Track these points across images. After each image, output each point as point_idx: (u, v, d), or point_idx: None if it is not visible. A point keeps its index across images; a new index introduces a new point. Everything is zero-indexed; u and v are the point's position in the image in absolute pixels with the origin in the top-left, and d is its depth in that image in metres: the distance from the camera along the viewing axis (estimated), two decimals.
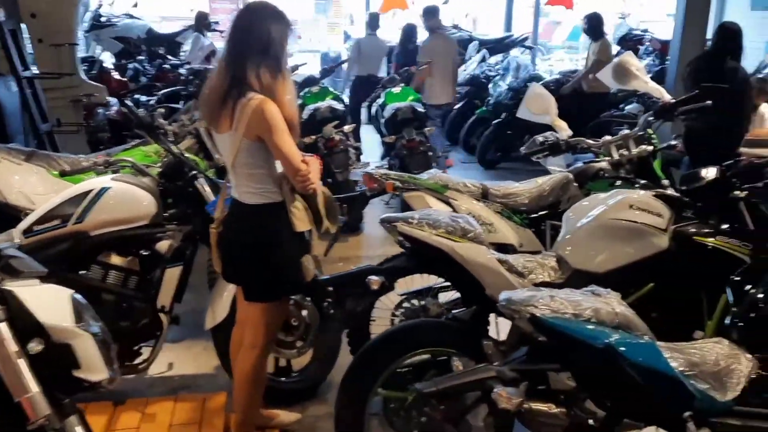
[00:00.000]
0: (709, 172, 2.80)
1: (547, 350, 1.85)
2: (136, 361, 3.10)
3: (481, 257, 2.50)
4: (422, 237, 2.50)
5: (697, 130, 4.54)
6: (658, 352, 1.76)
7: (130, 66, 9.49)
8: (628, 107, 8.58)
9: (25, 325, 1.53)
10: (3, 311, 1.52)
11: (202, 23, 8.96)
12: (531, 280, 2.57)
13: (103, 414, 2.92)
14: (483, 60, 9.53)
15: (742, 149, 3.62)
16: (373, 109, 6.67)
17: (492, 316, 2.94)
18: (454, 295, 3.24)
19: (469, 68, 9.51)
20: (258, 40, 2.34)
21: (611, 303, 1.84)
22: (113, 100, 6.97)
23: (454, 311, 3.14)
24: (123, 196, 3.01)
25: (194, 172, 3.16)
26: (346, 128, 5.59)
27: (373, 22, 8.31)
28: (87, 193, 2.98)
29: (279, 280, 2.50)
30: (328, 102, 5.94)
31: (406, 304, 3.25)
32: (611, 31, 10.77)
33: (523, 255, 2.66)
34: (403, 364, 2.47)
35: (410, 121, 5.85)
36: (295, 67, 8.80)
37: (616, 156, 3.60)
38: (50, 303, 1.59)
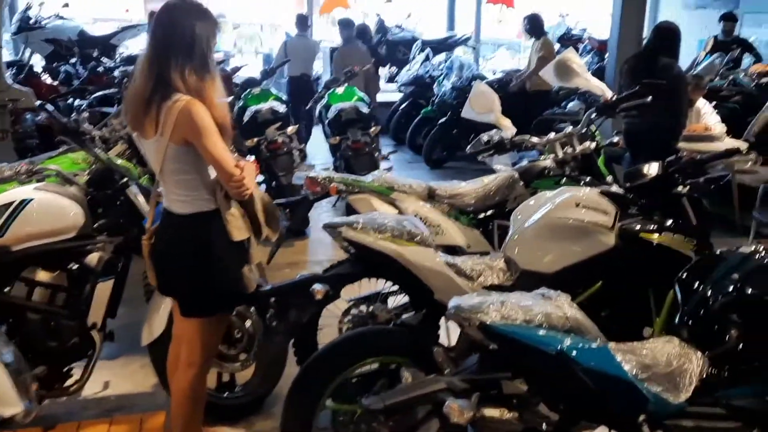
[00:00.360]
0: (651, 168, 2.80)
1: (498, 357, 1.78)
2: (68, 383, 2.90)
3: (428, 261, 2.43)
4: (368, 242, 2.40)
5: (636, 126, 4.59)
6: (610, 355, 1.71)
7: (62, 69, 9.11)
8: (569, 105, 8.70)
9: None
10: None
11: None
12: (480, 284, 2.51)
13: None
14: (426, 59, 9.52)
15: (681, 144, 3.70)
16: (317, 110, 6.54)
17: (442, 321, 2.88)
18: (403, 299, 3.16)
19: (413, 68, 9.48)
20: (182, 38, 2.21)
21: (562, 306, 1.79)
22: (50, 106, 6.66)
23: (403, 316, 3.09)
24: (47, 207, 2.81)
25: (125, 179, 2.99)
26: (289, 130, 5.46)
27: (301, 22, 8.49)
28: (8, 205, 2.77)
29: (216, 293, 2.36)
30: (270, 103, 5.79)
31: (353, 311, 3.15)
32: (550, 31, 10.91)
33: (472, 257, 2.60)
34: (351, 375, 2.38)
35: (355, 121, 5.76)
36: (236, 69, 8.64)
37: (560, 154, 3.58)
38: None
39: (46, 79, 8.48)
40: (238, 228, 2.31)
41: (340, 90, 6.28)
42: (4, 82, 5.67)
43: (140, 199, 2.95)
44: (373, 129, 5.77)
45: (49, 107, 2.91)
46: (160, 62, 2.21)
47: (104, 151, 3.51)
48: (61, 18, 10.47)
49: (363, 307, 3.15)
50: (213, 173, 2.29)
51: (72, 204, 2.86)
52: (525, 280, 2.56)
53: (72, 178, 3.02)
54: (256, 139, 5.34)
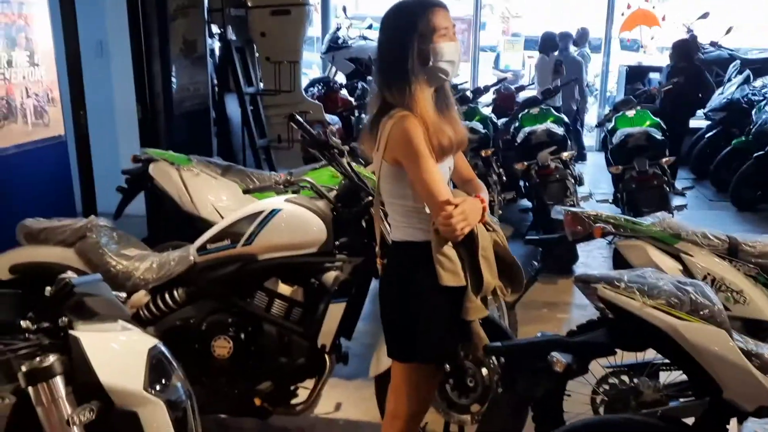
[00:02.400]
0: None
1: None
2: (294, 401, 2.82)
3: (717, 346, 1.77)
4: (631, 308, 1.83)
5: None
6: None
7: (359, 85, 9.75)
8: None
9: (85, 384, 1.24)
10: (60, 363, 1.24)
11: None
12: None
13: None
14: (746, 82, 8.10)
15: None
16: (601, 135, 5.87)
17: (733, 424, 2.16)
18: (681, 375, 2.47)
19: (727, 91, 8.14)
20: (391, 46, 2.00)
21: None
22: (335, 119, 7.08)
23: (679, 401, 2.41)
24: (292, 219, 2.76)
25: (370, 198, 2.81)
26: (565, 155, 4.93)
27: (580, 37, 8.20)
28: (258, 213, 2.79)
29: (416, 339, 2.03)
30: (547, 125, 5.31)
31: (612, 380, 2.56)
32: None
33: None
34: None
35: (643, 149, 4.97)
36: (521, 88, 8.29)
37: None
38: (122, 357, 1.29)
39: (344, 94, 9.13)
40: (449, 271, 1.92)
41: (630, 113, 5.53)
42: (299, 95, 6.11)
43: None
44: (665, 159, 4.93)
45: (299, 118, 2.86)
46: (380, 74, 2.03)
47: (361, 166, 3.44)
48: (365, 39, 11.27)
49: (625, 378, 2.55)
50: None
51: (316, 219, 2.77)
52: None
53: (324, 192, 2.95)
54: (526, 163, 4.92)
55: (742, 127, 7.35)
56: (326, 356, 2.77)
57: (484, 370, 2.72)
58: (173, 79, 5.02)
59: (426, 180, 1.91)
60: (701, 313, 1.82)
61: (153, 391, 1.27)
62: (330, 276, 2.77)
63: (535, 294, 4.53)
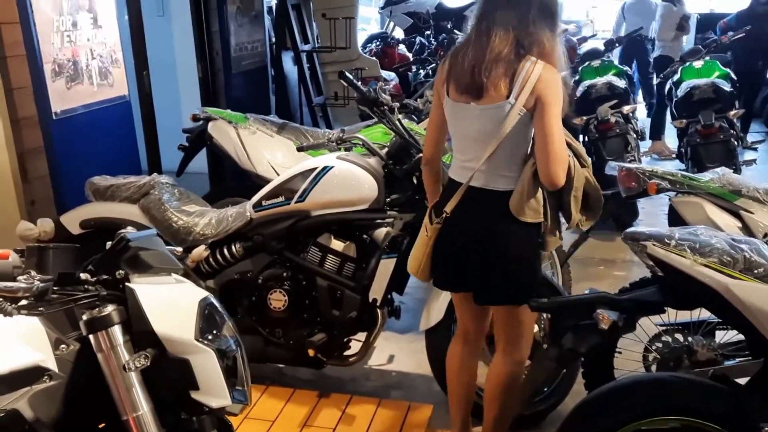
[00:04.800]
0: None
1: None
2: (347, 353, 2.92)
3: None
4: (682, 266, 1.79)
5: None
6: None
7: (417, 40, 9.60)
8: None
9: (140, 332, 1.32)
10: (118, 313, 1.32)
11: None
12: None
13: (305, 404, 2.80)
14: None
15: None
16: (667, 87, 5.64)
17: None
18: (737, 335, 2.42)
19: None
20: None
21: None
22: (392, 75, 7.03)
23: (735, 361, 2.37)
24: (344, 176, 2.80)
25: (421, 154, 2.82)
26: (626, 109, 4.77)
27: None
28: (311, 171, 2.84)
29: (505, 278, 2.16)
30: (608, 78, 5.13)
31: (665, 338, 2.53)
32: None
33: None
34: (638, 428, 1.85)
35: (710, 102, 4.75)
36: (584, 39, 8.01)
37: None
38: (174, 308, 1.36)
39: (402, 50, 9.02)
40: (532, 209, 2.08)
41: (698, 64, 5.28)
42: (355, 51, 6.09)
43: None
44: (734, 112, 4.71)
45: (349, 76, 2.87)
46: (519, 22, 2.03)
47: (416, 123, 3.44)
48: None
49: (679, 336, 2.51)
50: None
51: (367, 176, 2.81)
52: None
53: (376, 149, 2.97)
54: (585, 118, 4.78)
55: None
56: (378, 310, 2.83)
57: (534, 327, 2.74)
58: (231, 38, 5.09)
59: (560, 128, 2.02)
60: (755, 271, 1.76)
61: (204, 340, 1.34)
62: (381, 232, 2.81)
63: (591, 251, 4.48)
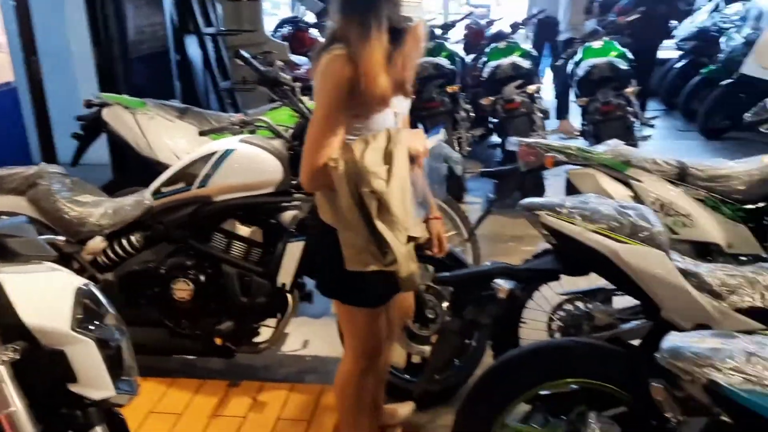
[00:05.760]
0: None
1: None
2: (257, 340, 2.86)
3: (655, 266, 1.80)
4: (573, 233, 1.85)
5: None
6: None
7: (328, 24, 9.49)
8: None
9: (9, 325, 1.23)
10: None
11: None
12: (732, 304, 1.81)
13: (214, 394, 2.73)
14: (716, 9, 8.01)
15: None
16: (569, 67, 5.82)
17: None
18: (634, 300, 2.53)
19: (696, 19, 8.06)
20: None
21: None
22: (303, 59, 6.93)
23: (631, 323, 2.47)
24: (247, 159, 2.74)
25: None
26: (530, 88, 4.89)
27: None
28: (212, 154, 2.76)
29: (338, 278, 1.94)
30: (513, 58, 5.25)
31: (566, 307, 2.61)
32: None
33: (723, 267, 1.90)
34: (542, 392, 1.91)
35: (608, 80, 4.95)
36: (491, 22, 8.14)
37: None
38: (47, 297, 1.28)
39: (314, 34, 8.90)
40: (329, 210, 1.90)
41: (596, 44, 5.47)
42: (262, 35, 5.95)
43: None
44: (630, 89, 4.91)
45: (246, 55, 2.80)
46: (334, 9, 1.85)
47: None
48: None
49: (580, 304, 2.60)
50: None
51: (272, 158, 2.75)
52: None
53: (280, 131, 2.91)
54: (492, 98, 4.87)
55: (711, 56, 7.31)
56: (287, 295, 2.79)
57: (444, 303, 2.78)
58: (129, 21, 4.86)
59: (316, 124, 1.82)
60: (640, 235, 1.84)
61: (81, 330, 1.27)
62: (288, 215, 2.76)
63: (501, 227, 4.58)
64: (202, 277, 2.76)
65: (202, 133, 3.08)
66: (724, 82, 6.65)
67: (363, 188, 1.75)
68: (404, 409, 2.61)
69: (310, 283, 3.05)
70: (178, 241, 2.79)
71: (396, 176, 1.78)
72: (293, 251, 2.72)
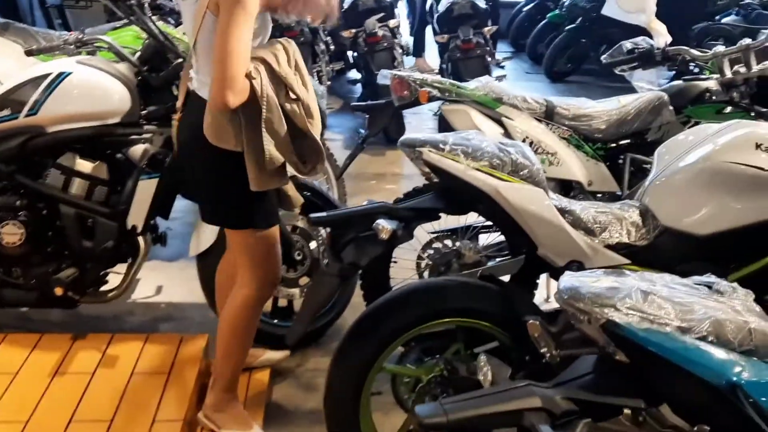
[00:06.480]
0: None
1: (626, 372, 1.18)
2: (105, 288, 2.59)
3: (534, 204, 1.80)
4: (456, 171, 1.80)
5: None
6: None
7: None
8: (725, 20, 7.43)
9: None
10: None
11: None
12: (603, 240, 1.86)
13: (56, 350, 2.42)
14: None
15: None
16: (428, 4, 5.77)
17: (544, 278, 2.29)
18: (499, 236, 2.57)
19: None
20: None
21: (741, 311, 1.14)
22: None
23: (497, 261, 2.51)
24: (87, 85, 2.41)
25: (181, 60, 2.50)
26: (392, 23, 4.77)
27: None
28: (43, 77, 2.38)
29: (235, 202, 1.92)
30: None
31: (436, 245, 2.61)
32: None
33: (595, 204, 1.95)
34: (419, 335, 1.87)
35: (468, 18, 4.96)
36: None
37: (728, 73, 2.74)
38: None
39: None
40: (222, 133, 1.81)
41: None
42: None
43: None
44: (488, 29, 4.96)
45: None
46: None
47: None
48: None
49: (448, 242, 2.61)
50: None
51: (117, 84, 2.44)
52: (666, 242, 1.90)
53: (126, 54, 2.57)
54: (354, 31, 4.70)
55: (556, 1, 7.60)
56: (139, 238, 2.53)
57: (313, 243, 2.66)
58: None
59: (239, 40, 1.68)
60: (521, 173, 1.83)
61: None
62: (138, 149, 2.48)
63: (363, 165, 4.51)
64: (36, 219, 2.43)
65: (29, 53, 2.66)
66: (567, 27, 6.96)
67: (286, 95, 1.80)
68: (278, 355, 2.51)
69: (163, 224, 2.81)
70: (5, 177, 2.42)
71: (309, 83, 1.87)
72: (145, 190, 2.46)
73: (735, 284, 1.23)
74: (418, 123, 5.16)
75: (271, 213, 2.02)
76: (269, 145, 1.79)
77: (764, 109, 2.65)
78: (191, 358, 2.44)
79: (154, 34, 2.49)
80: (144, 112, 2.50)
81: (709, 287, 1.21)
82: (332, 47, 5.40)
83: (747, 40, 2.76)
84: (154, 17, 2.67)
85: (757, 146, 1.88)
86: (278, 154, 1.81)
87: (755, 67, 2.69)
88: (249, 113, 1.77)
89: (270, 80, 1.78)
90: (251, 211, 1.93)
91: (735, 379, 1.05)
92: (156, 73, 2.52)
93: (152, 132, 2.49)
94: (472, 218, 2.52)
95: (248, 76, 1.72)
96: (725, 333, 1.10)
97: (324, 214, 1.86)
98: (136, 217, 2.47)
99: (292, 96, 1.82)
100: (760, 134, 1.93)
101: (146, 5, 2.45)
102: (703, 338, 1.09)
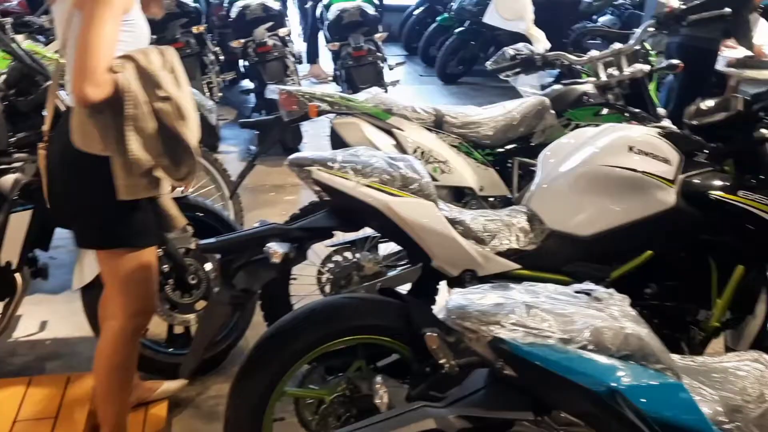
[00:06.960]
0: (729, 103, 2.12)
1: (516, 386, 1.20)
2: None
3: (426, 217, 1.82)
4: (345, 188, 1.78)
5: (692, 46, 3.83)
6: (689, 401, 1.13)
7: None
8: (601, 20, 7.86)
9: None
10: None
11: None
12: (494, 248, 1.90)
13: None
14: None
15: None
16: (318, 11, 5.74)
17: (443, 286, 2.31)
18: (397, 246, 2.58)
19: None
20: None
21: (619, 318, 1.19)
22: None
23: (397, 270, 2.51)
24: None
25: (50, 82, 2.34)
26: (282, 31, 4.71)
27: None
28: None
29: (111, 221, 1.81)
30: None
31: (336, 258, 2.58)
32: None
33: (485, 213, 1.99)
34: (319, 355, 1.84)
35: (358, 25, 4.97)
36: None
37: (603, 76, 2.88)
38: None
39: None
40: (86, 137, 1.72)
41: None
42: None
43: None
44: (378, 35, 5.00)
45: None
46: None
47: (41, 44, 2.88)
48: None
49: (348, 254, 2.58)
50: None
51: None
52: (552, 244, 1.97)
53: None
54: (243, 41, 4.60)
55: (446, 5, 7.78)
56: (15, 274, 2.35)
57: (208, 265, 2.57)
58: None
59: (102, 36, 1.59)
60: (411, 187, 1.83)
61: None
62: (7, 180, 2.30)
63: (261, 177, 4.43)
64: None
65: None
66: (456, 30, 7.13)
67: (156, 91, 1.67)
68: (175, 385, 2.40)
69: (44, 255, 2.63)
70: None
71: (184, 84, 1.75)
72: (18, 223, 2.29)
73: (612, 290, 1.28)
74: (316, 131, 5.11)
75: (146, 232, 1.89)
76: (134, 144, 1.66)
77: (637, 110, 2.80)
78: (80, 399, 2.30)
79: (19, 57, 2.32)
80: (13, 139, 2.33)
81: (589, 294, 1.25)
82: (222, 57, 5.27)
83: (618, 45, 2.92)
84: (21, 35, 2.51)
85: (630, 149, 1.98)
86: (146, 154, 1.69)
87: (626, 70, 2.84)
88: (114, 112, 1.66)
89: (138, 77, 1.67)
90: (122, 226, 1.82)
91: (614, 384, 1.09)
92: (24, 98, 2.36)
93: (23, 160, 2.33)
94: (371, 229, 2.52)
95: (112, 69, 1.62)
96: (603, 340, 1.14)
97: (213, 240, 1.79)
98: (10, 252, 2.30)
99: (162, 94, 1.69)
100: (631, 137, 2.03)
101: (8, 26, 2.29)
102: (584, 347, 1.13)
